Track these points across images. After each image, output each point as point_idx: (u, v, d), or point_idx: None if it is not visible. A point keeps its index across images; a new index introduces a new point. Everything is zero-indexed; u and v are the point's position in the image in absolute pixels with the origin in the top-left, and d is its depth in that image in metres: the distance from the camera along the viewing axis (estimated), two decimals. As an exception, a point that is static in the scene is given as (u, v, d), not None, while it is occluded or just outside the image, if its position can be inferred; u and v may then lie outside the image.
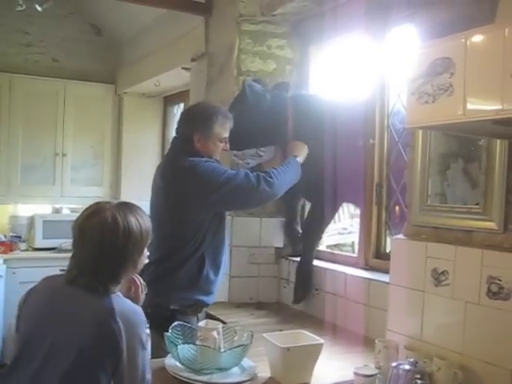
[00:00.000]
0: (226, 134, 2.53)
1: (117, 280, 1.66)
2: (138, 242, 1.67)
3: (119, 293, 1.66)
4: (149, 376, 1.62)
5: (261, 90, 2.90)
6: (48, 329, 1.59)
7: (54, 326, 1.59)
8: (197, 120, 2.50)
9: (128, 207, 1.72)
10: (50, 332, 1.58)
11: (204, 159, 2.42)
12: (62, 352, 1.53)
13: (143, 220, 1.71)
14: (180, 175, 2.40)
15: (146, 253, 1.80)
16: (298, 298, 2.96)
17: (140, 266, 1.77)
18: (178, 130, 2.61)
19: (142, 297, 1.92)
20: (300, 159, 2.65)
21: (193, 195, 2.37)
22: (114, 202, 1.75)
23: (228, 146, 2.56)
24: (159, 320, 2.07)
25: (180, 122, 2.62)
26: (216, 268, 2.49)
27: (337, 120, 2.84)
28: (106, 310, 1.55)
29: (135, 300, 1.84)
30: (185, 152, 2.44)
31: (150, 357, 1.77)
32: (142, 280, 1.92)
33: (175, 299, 2.39)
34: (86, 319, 1.55)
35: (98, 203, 1.72)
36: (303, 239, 3.09)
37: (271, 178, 2.42)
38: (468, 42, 1.36)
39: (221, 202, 2.40)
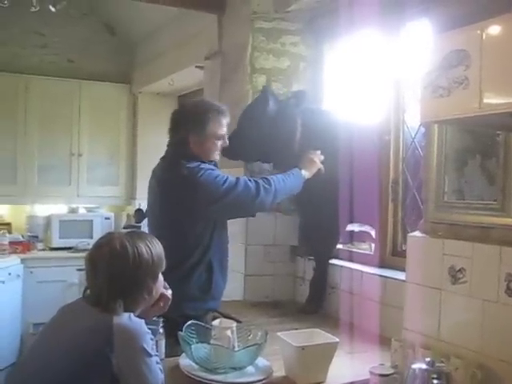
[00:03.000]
0: (223, 131, 2.45)
1: (132, 306, 1.70)
2: (149, 268, 1.72)
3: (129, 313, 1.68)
4: (161, 377, 1.65)
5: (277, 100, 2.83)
6: (52, 336, 1.69)
7: (57, 334, 1.68)
8: (189, 121, 2.40)
9: (137, 234, 1.79)
10: (53, 339, 1.67)
11: (203, 166, 2.33)
12: (58, 360, 1.59)
13: (154, 246, 1.75)
14: (178, 184, 2.32)
15: (161, 279, 1.82)
16: (310, 310, 2.91)
17: (156, 292, 1.80)
18: (171, 133, 2.49)
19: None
20: (305, 173, 2.57)
21: (192, 206, 2.31)
22: (124, 231, 1.84)
23: (227, 141, 2.47)
24: (170, 328, 2.03)
25: (172, 124, 2.49)
26: (224, 272, 2.48)
27: (349, 139, 2.79)
28: (104, 323, 1.59)
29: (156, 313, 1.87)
30: (182, 157, 2.36)
31: (163, 356, 1.78)
32: (169, 292, 1.91)
33: (186, 310, 2.30)
34: (85, 330, 1.61)
35: (108, 233, 1.80)
36: (316, 253, 3.04)
37: (269, 184, 2.36)
38: (484, 33, 1.33)
39: (220, 212, 2.36)
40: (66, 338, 1.63)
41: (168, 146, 2.54)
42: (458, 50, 1.38)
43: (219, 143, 2.45)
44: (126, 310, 1.66)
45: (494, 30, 1.33)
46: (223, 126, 2.45)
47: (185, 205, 2.32)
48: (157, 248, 1.77)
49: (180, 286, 2.27)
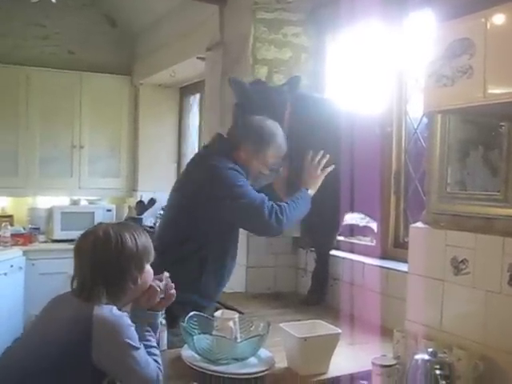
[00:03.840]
0: (273, 161, 2.50)
1: (117, 296, 1.70)
2: (133, 256, 1.71)
3: (111, 306, 1.67)
4: (155, 368, 1.64)
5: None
6: (40, 325, 1.72)
7: (44, 324, 1.70)
8: (254, 135, 2.45)
9: (124, 224, 1.83)
10: (40, 329, 1.70)
11: (234, 167, 2.38)
12: (40, 348, 1.61)
13: (139, 235, 1.75)
14: (202, 172, 2.39)
15: (150, 270, 1.80)
16: (312, 302, 2.90)
17: (144, 283, 1.78)
18: (232, 131, 2.56)
19: (166, 302, 1.88)
20: (311, 191, 2.56)
21: (205, 195, 2.33)
22: (111, 223, 1.83)
23: (267, 171, 2.51)
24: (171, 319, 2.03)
25: (238, 126, 2.56)
26: (218, 276, 2.44)
27: (351, 130, 2.77)
28: (84, 314, 1.60)
29: (153, 307, 1.83)
30: (222, 155, 2.42)
31: (165, 348, 1.77)
32: (161, 285, 1.85)
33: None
34: (66, 320, 1.62)
35: (96, 224, 1.82)
36: (317, 245, 3.03)
37: (282, 215, 2.34)
38: (488, 22, 1.31)
39: (229, 212, 2.34)
40: (50, 328, 1.65)
41: (217, 138, 2.57)
42: (462, 39, 1.37)
43: (262, 169, 2.48)
44: (110, 300, 1.66)
45: (499, 18, 1.32)
46: (276, 159, 2.50)
47: (197, 190, 2.35)
48: (142, 238, 1.76)
49: (171, 268, 2.19)
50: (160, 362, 1.67)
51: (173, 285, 1.88)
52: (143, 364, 1.62)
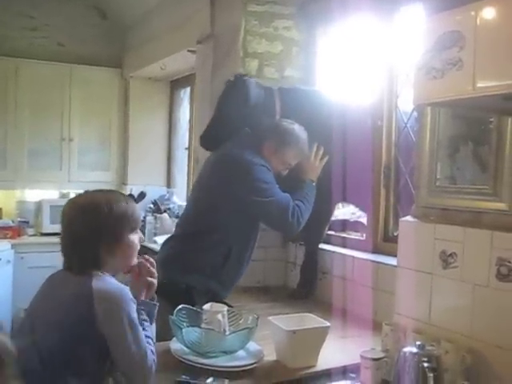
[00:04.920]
0: (293, 163, 2.60)
1: (98, 260, 1.62)
2: (110, 220, 1.63)
3: (106, 274, 1.62)
4: (148, 351, 1.59)
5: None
6: (37, 310, 1.65)
7: (42, 308, 1.64)
8: (280, 136, 2.55)
9: (103, 191, 1.75)
10: (38, 313, 1.64)
11: (264, 163, 2.47)
12: (45, 332, 1.56)
13: (117, 201, 1.67)
14: (234, 166, 2.45)
15: (135, 238, 1.71)
16: (301, 296, 2.92)
17: (125, 256, 1.69)
18: (261, 130, 2.60)
19: (150, 280, 1.76)
20: (314, 182, 2.66)
21: (236, 189, 2.42)
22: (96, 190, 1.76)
23: (285, 171, 2.61)
24: (173, 293, 2.05)
25: (266, 128, 2.60)
26: (239, 266, 2.55)
27: (342, 124, 2.81)
28: (84, 291, 1.55)
29: (137, 284, 1.74)
30: (248, 148, 2.50)
31: (154, 330, 1.74)
32: (149, 262, 1.77)
33: (192, 281, 2.39)
34: (66, 301, 1.57)
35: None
36: (306, 238, 3.03)
37: (301, 216, 2.48)
38: (478, 15, 1.31)
39: (253, 209, 2.44)
40: (53, 308, 1.59)
41: (244, 134, 2.61)
42: (452, 31, 1.36)
43: (280, 167, 2.58)
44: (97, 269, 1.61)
45: (489, 11, 1.32)
46: (295, 160, 2.60)
47: (229, 183, 2.43)
48: (120, 204, 1.66)
49: (195, 255, 2.42)
50: (155, 353, 1.63)
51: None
52: (142, 344, 1.57)
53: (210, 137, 2.72)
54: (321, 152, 2.69)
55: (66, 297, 1.58)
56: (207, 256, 2.44)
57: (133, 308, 1.59)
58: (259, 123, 2.65)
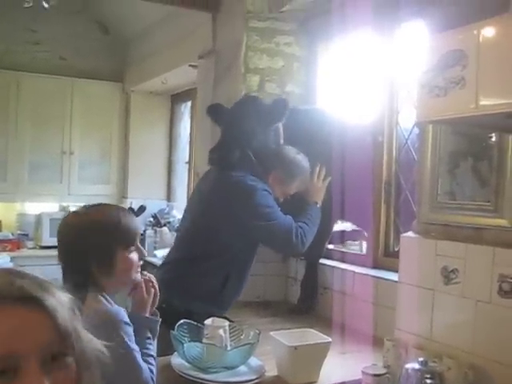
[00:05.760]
0: (292, 192, 2.64)
1: (93, 281, 1.58)
2: (99, 238, 1.57)
3: (101, 296, 1.58)
4: (147, 375, 1.57)
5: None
6: None
7: None
8: (287, 167, 2.59)
9: (97, 206, 1.69)
10: None
11: (265, 188, 2.47)
12: None
13: (109, 216, 1.62)
14: (237, 191, 2.44)
15: (133, 255, 1.65)
16: (302, 311, 2.91)
17: (125, 274, 1.64)
18: (266, 155, 2.58)
19: (154, 300, 1.75)
20: (319, 204, 2.69)
21: (239, 214, 2.41)
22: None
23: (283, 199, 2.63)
24: (172, 316, 2.04)
25: (273, 153, 2.61)
26: (237, 290, 2.56)
27: (342, 140, 2.82)
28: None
29: (139, 303, 1.72)
30: (254, 175, 2.49)
31: (154, 354, 1.73)
32: (153, 282, 1.75)
33: (191, 305, 2.35)
34: None
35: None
36: (307, 253, 3.00)
37: (305, 236, 2.49)
38: (480, 34, 1.33)
39: (257, 233, 2.46)
40: None
41: (247, 159, 2.55)
42: (455, 50, 1.38)
43: (282, 195, 2.61)
44: (97, 288, 1.57)
45: (491, 30, 1.33)
46: (296, 189, 2.65)
47: (231, 208, 2.42)
48: (112, 221, 1.61)
49: (193, 281, 2.40)
50: (154, 372, 1.60)
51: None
52: (134, 365, 1.53)
53: (219, 156, 2.62)
54: (323, 173, 2.72)
55: None
56: (205, 281, 2.43)
57: (127, 330, 1.54)
58: (264, 147, 2.62)
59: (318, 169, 2.71)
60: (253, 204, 2.42)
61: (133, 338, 1.56)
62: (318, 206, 2.67)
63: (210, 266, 2.44)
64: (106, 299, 1.59)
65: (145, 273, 1.76)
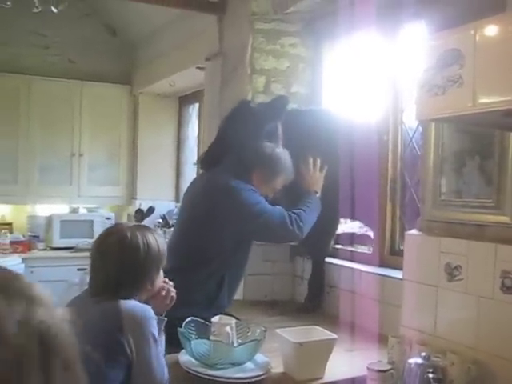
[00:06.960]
0: (279, 188, 2.63)
1: (135, 296, 1.71)
2: (155, 258, 1.74)
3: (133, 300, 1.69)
4: (166, 369, 1.67)
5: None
6: None
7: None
8: (268, 165, 2.57)
9: (144, 226, 1.83)
10: None
11: (250, 187, 2.48)
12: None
13: (160, 238, 1.79)
14: (222, 194, 2.45)
15: (162, 273, 1.83)
16: (309, 309, 2.94)
17: (156, 286, 1.81)
18: (245, 155, 2.59)
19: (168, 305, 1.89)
20: (318, 193, 2.69)
21: (228, 218, 2.42)
22: (130, 223, 1.87)
23: (272, 195, 2.63)
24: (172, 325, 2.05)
25: (252, 152, 2.60)
26: (231, 292, 2.56)
27: (348, 139, 2.82)
28: (113, 310, 1.61)
29: (158, 308, 1.82)
30: (237, 176, 2.49)
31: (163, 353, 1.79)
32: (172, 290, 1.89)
33: (191, 313, 2.26)
34: (95, 319, 1.59)
35: (116, 224, 1.83)
36: (312, 252, 3.06)
37: (301, 221, 2.49)
38: (477, 33, 1.35)
39: (253, 232, 2.48)
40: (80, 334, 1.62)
41: (230, 159, 2.59)
42: (453, 50, 1.40)
43: (269, 192, 2.60)
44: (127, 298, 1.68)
45: (487, 29, 1.36)
46: (282, 185, 2.63)
47: (222, 214, 2.43)
48: (162, 241, 1.80)
49: (190, 289, 2.36)
50: (166, 369, 1.69)
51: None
52: (160, 361, 1.65)
53: (208, 158, 2.72)
54: (318, 163, 2.72)
55: (92, 321, 1.57)
56: (202, 288, 2.43)
57: (155, 325, 1.67)
58: (248, 150, 2.62)
59: (310, 160, 2.70)
60: (241, 205, 2.42)
61: (157, 331, 1.68)
62: (318, 195, 2.67)
63: (206, 273, 2.44)
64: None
65: (166, 280, 1.88)
